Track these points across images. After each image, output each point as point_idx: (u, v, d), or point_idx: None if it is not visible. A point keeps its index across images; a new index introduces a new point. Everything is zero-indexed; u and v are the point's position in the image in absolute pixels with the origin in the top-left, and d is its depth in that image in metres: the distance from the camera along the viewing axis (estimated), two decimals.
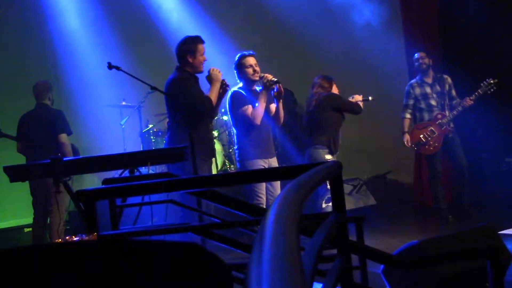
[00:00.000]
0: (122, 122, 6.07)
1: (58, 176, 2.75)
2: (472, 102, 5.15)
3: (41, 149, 4.61)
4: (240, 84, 4.28)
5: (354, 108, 4.73)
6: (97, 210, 1.90)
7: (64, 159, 2.80)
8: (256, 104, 4.10)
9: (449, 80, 5.42)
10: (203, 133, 3.90)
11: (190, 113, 3.78)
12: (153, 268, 0.80)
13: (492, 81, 5.09)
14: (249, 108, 4.13)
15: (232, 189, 4.64)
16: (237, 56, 4.26)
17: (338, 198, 1.76)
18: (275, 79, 4.11)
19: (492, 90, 5.10)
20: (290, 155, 6.35)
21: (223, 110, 5.94)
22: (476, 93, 5.12)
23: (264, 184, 4.10)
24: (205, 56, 4.00)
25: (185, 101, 3.81)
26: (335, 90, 4.75)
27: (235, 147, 4.31)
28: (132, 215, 3.02)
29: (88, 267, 0.79)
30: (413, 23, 6.38)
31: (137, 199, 2.90)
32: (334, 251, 1.74)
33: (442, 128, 5.28)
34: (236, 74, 4.29)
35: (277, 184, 4.24)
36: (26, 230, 5.41)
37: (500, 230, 3.02)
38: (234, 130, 4.35)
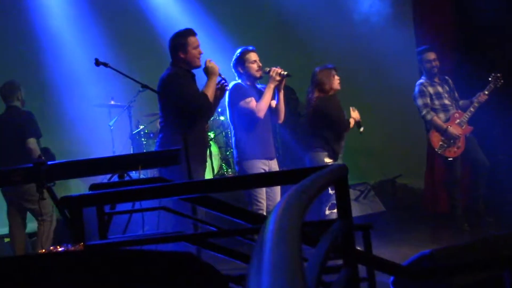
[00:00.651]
0: (111, 123, 6.07)
1: (41, 182, 2.74)
2: (486, 96, 5.19)
3: (11, 154, 4.60)
4: (239, 80, 4.26)
5: (336, 127, 4.63)
6: (84, 218, 1.90)
7: (48, 163, 2.80)
8: (263, 97, 4.08)
9: (451, 81, 5.49)
10: (198, 134, 3.90)
11: (184, 113, 3.76)
12: (144, 280, 0.80)
13: (499, 74, 5.16)
14: (252, 101, 4.12)
15: (229, 194, 4.64)
16: (239, 51, 4.24)
17: (343, 204, 1.76)
18: (286, 72, 4.11)
19: (499, 84, 5.17)
20: (292, 158, 6.35)
21: (219, 109, 5.94)
22: (488, 87, 5.17)
23: (264, 189, 4.10)
24: (201, 49, 3.96)
25: (179, 100, 3.78)
26: (336, 82, 4.67)
27: (233, 145, 4.29)
28: (122, 223, 3.02)
29: (74, 280, 0.79)
30: (424, 12, 6.38)
31: (127, 206, 2.90)
32: (340, 262, 1.75)
33: (462, 128, 5.29)
34: (235, 71, 4.27)
35: (278, 189, 4.24)
36: (6, 240, 5.40)
37: None
38: (231, 128, 4.31)
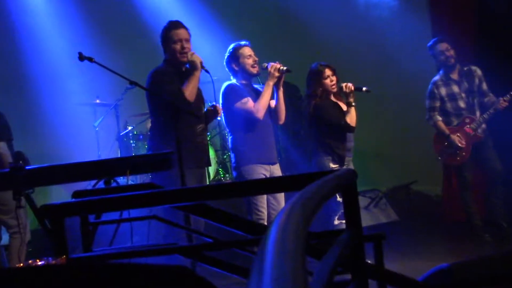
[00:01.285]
0: (96, 124, 6.08)
1: (19, 189, 2.74)
2: (506, 103, 5.14)
3: None
4: (234, 80, 4.26)
5: (335, 131, 4.58)
6: (66, 228, 1.91)
7: (27, 168, 2.80)
8: (262, 95, 4.08)
9: (479, 72, 5.36)
10: (192, 136, 3.90)
11: (174, 112, 3.75)
12: None
13: None
14: (249, 101, 4.11)
15: (227, 202, 4.64)
16: (231, 46, 4.23)
17: (352, 212, 1.76)
18: (285, 67, 4.10)
19: None
20: (296, 162, 6.35)
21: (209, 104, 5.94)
22: (509, 95, 5.11)
23: (265, 197, 4.10)
24: (188, 43, 3.90)
25: (166, 98, 3.77)
26: (328, 83, 4.58)
27: (230, 149, 4.29)
28: (108, 234, 3.02)
29: None
30: (441, 1, 6.38)
31: (114, 215, 2.90)
32: (348, 276, 1.75)
33: (471, 135, 5.27)
34: (229, 70, 4.27)
35: (281, 196, 4.24)
36: None
37: None
38: (227, 132, 4.32)
